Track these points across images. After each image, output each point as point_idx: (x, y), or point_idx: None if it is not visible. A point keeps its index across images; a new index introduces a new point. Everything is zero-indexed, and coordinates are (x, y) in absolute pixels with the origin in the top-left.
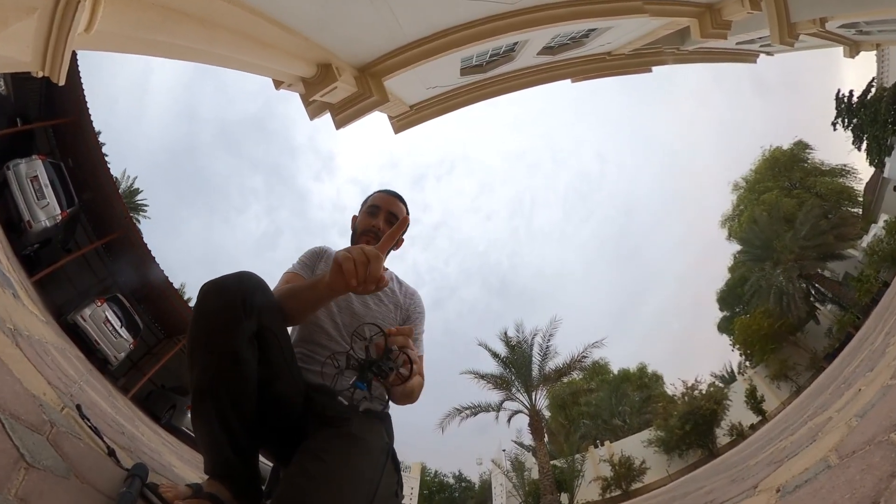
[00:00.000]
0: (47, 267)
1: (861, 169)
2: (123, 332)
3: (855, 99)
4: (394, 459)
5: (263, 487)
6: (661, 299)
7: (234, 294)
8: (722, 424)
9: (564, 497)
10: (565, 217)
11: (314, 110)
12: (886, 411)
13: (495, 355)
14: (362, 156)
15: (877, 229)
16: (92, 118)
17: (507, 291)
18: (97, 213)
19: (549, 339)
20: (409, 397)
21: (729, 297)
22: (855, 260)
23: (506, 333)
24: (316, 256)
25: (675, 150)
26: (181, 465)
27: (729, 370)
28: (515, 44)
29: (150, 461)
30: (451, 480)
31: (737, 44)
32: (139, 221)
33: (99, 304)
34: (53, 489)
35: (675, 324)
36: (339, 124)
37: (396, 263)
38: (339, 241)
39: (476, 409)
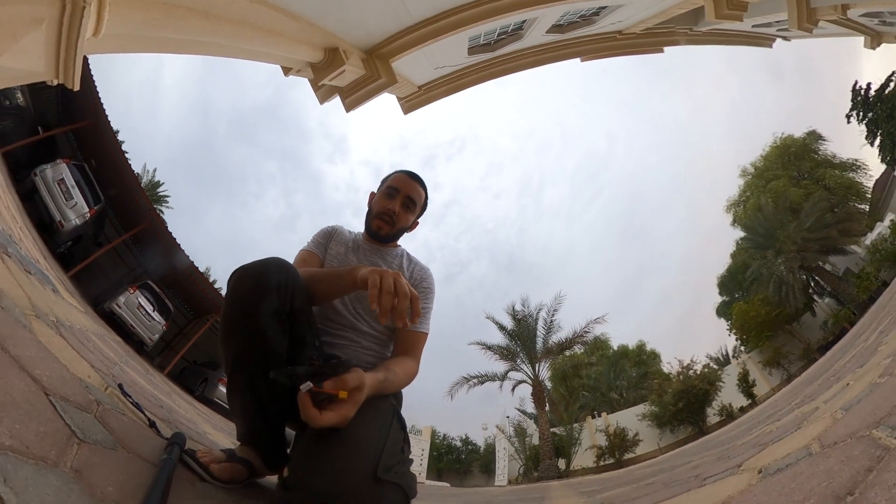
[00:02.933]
0: (81, 262)
1: (872, 165)
2: (156, 316)
3: (872, 92)
4: (399, 419)
5: (288, 451)
6: (664, 280)
7: (266, 279)
8: (713, 404)
9: (562, 462)
10: (573, 196)
11: (323, 94)
12: (871, 408)
13: (502, 328)
14: (373, 137)
15: (882, 228)
16: (109, 119)
17: (515, 268)
18: (123, 208)
19: (553, 314)
20: (394, 389)
21: (729, 283)
22: (857, 256)
23: (513, 307)
24: (328, 236)
25: (684, 133)
26: (215, 432)
27: (724, 353)
28: (524, 22)
29: (186, 430)
30: (459, 443)
31: (752, 27)
32: (162, 212)
33: (131, 291)
34: (103, 460)
35: (676, 305)
36: (349, 107)
37: (408, 241)
38: (353, 220)
39: (483, 378)
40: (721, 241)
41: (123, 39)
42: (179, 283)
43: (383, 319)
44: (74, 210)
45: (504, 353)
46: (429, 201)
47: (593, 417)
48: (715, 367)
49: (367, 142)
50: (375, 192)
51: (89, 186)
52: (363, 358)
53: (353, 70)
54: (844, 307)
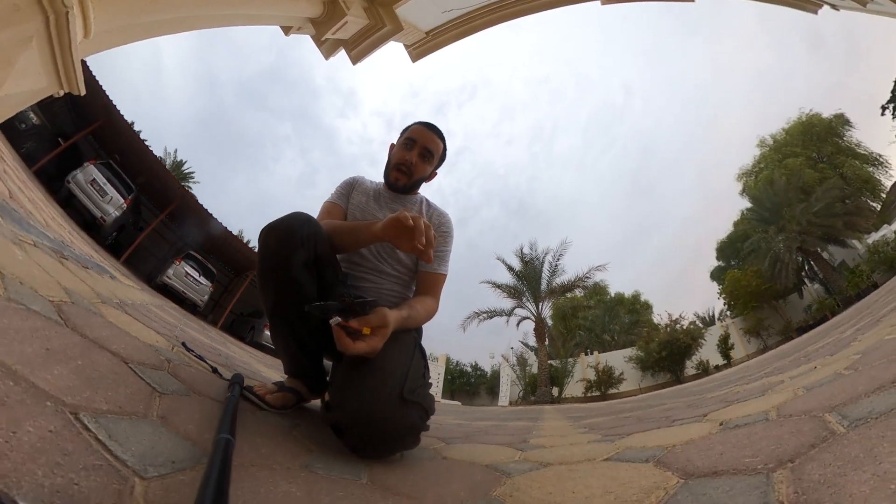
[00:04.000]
0: (128, 247)
1: (895, 165)
2: (202, 280)
3: None
4: (420, 349)
5: (328, 379)
6: (665, 237)
7: (289, 231)
8: (692, 358)
9: (555, 390)
10: (585, 146)
11: (328, 49)
12: (830, 394)
13: (510, 269)
14: (383, 88)
15: (888, 231)
16: (122, 113)
17: (525, 213)
18: (154, 191)
19: (558, 259)
20: (416, 324)
21: (727, 250)
22: (855, 252)
23: (521, 250)
24: (349, 186)
25: (705, 92)
26: (266, 369)
27: (710, 315)
28: None
29: (243, 371)
30: (469, 369)
31: None
32: (191, 188)
33: (177, 263)
34: (181, 406)
35: (673, 263)
36: (355, 59)
37: (423, 187)
38: (370, 170)
39: (492, 314)
40: (726, 208)
41: (116, 33)
42: (217, 247)
43: (427, 249)
44: (111, 204)
45: (511, 292)
46: (446, 150)
47: (586, 354)
48: (700, 325)
49: (377, 93)
50: (395, 143)
51: (119, 180)
52: (387, 298)
53: (355, 20)
54: (831, 297)
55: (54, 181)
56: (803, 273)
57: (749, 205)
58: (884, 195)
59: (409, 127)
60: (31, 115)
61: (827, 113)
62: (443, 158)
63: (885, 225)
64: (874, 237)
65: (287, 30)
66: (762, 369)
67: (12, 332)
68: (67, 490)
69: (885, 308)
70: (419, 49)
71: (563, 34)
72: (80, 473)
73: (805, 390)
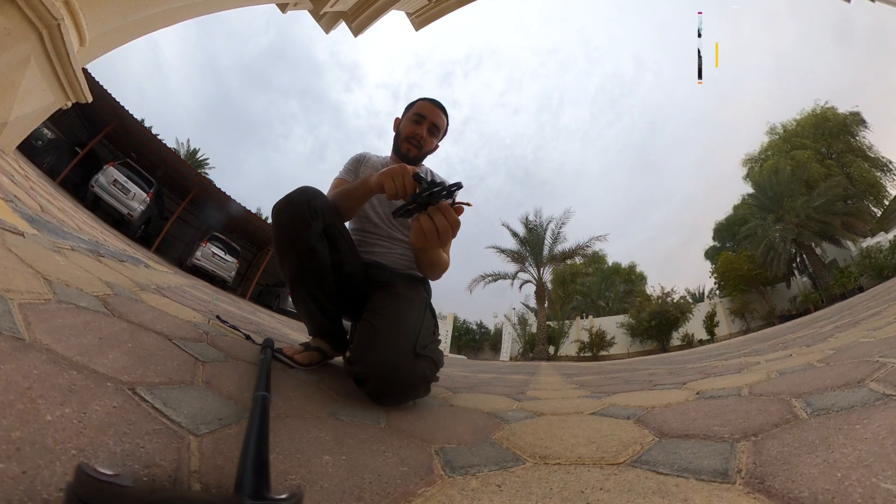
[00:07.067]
0: (157, 237)
1: None
2: (228, 258)
3: None
4: (431, 309)
5: (348, 337)
6: (666, 213)
7: (300, 205)
8: (679, 330)
9: (551, 349)
10: (592, 118)
11: (328, 23)
12: (800, 381)
13: (515, 235)
14: (387, 59)
15: (883, 239)
16: (131, 112)
17: (529, 182)
18: (173, 182)
19: (560, 227)
20: (433, 268)
21: (724, 232)
22: (848, 253)
23: (526, 217)
24: (357, 162)
25: (720, 72)
26: (293, 332)
27: (700, 292)
28: None
29: (272, 335)
30: (474, 327)
31: None
32: (207, 174)
33: (204, 245)
34: (222, 371)
35: (670, 238)
36: (357, 30)
37: (431, 155)
38: (378, 143)
39: (496, 277)
40: (728, 190)
41: (112, 35)
42: (239, 227)
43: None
44: (135, 200)
45: (515, 257)
46: (449, 125)
47: (581, 318)
48: (689, 300)
49: (382, 65)
50: (401, 117)
51: (139, 176)
52: (399, 261)
53: None
54: (817, 291)
55: (80, 188)
56: (794, 265)
57: (751, 190)
58: (887, 202)
59: (415, 102)
60: (45, 130)
61: (843, 109)
62: (445, 132)
63: (882, 232)
64: (869, 242)
65: (283, 6)
66: (741, 349)
67: (67, 328)
68: (136, 453)
69: (865, 312)
70: (422, 16)
71: (574, 1)
72: (144, 438)
73: (778, 374)
